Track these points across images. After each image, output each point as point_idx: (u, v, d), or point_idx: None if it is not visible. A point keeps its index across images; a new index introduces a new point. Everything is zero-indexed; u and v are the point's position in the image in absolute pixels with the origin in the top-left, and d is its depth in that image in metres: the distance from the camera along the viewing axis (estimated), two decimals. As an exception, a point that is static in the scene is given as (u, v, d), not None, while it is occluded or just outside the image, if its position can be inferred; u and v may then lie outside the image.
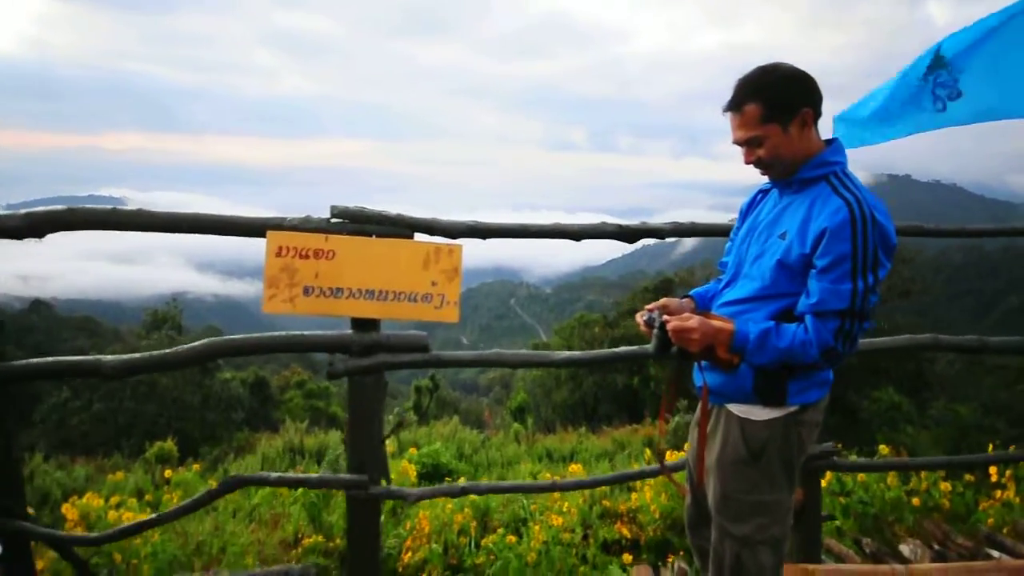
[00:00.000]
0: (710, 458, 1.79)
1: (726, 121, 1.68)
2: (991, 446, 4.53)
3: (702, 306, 1.89)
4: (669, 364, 1.86)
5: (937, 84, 2.84)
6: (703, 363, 1.76)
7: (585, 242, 2.53)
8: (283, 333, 2.28)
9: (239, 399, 18.61)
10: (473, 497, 3.55)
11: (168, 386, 16.76)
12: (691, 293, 1.95)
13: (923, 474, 3.80)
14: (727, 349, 1.65)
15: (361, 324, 2.35)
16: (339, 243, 2.30)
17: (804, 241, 1.60)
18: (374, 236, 2.33)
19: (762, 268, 1.71)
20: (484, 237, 2.43)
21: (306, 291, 2.28)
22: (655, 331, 1.73)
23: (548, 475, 5.61)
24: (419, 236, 2.42)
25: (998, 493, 3.68)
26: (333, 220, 2.34)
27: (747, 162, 1.70)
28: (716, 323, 1.67)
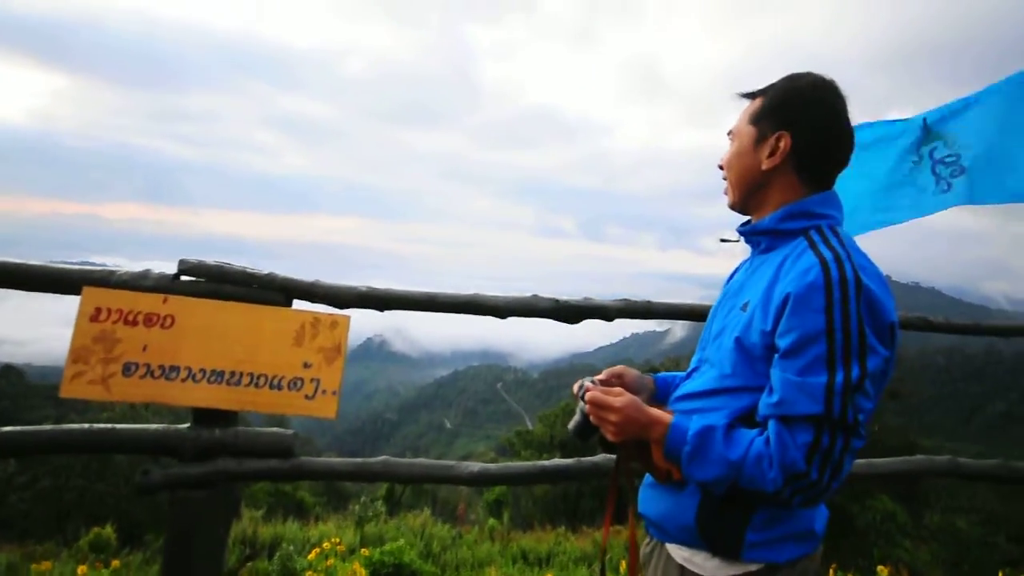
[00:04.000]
0: None
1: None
2: (1000, 573, 3.88)
3: (661, 397, 1.35)
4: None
5: (937, 161, 2.46)
6: (645, 480, 1.25)
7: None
8: (82, 426, 1.67)
9: (197, 480, 17.17)
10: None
11: (122, 462, 15.45)
12: (656, 376, 1.41)
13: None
14: (663, 451, 1.13)
15: (206, 417, 1.76)
16: (181, 306, 1.75)
17: (766, 313, 1.11)
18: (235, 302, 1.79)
19: (721, 350, 1.21)
20: (381, 308, 1.89)
21: (127, 369, 1.70)
22: (579, 404, 1.23)
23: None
24: (299, 304, 1.88)
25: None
26: (182, 278, 1.80)
27: (720, 163, 1.30)
28: (652, 412, 1.16)
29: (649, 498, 1.25)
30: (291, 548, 5.90)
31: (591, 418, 1.17)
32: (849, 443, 1.03)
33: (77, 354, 1.67)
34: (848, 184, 2.59)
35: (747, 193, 1.23)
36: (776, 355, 1.08)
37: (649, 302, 2.07)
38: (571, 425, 1.22)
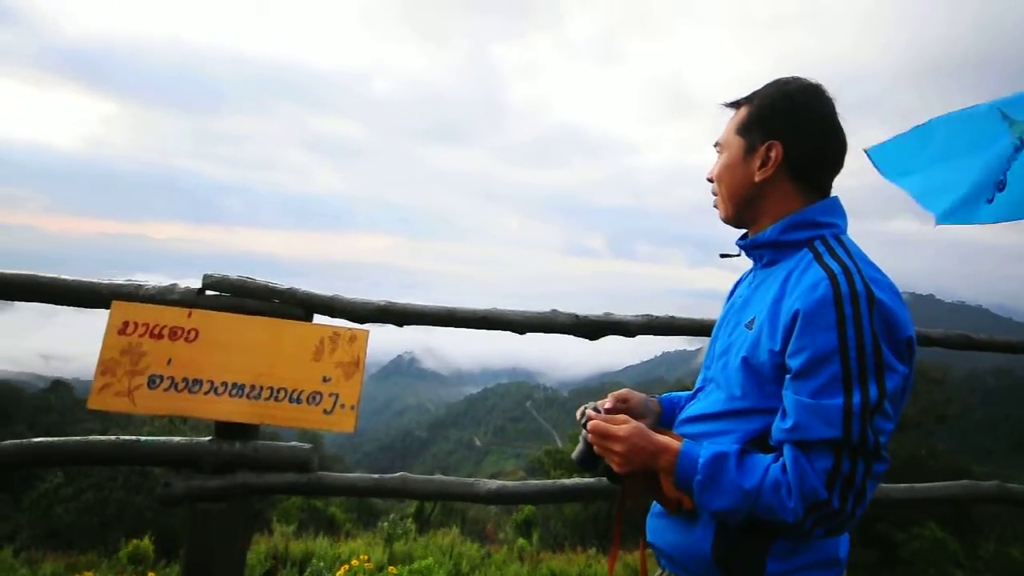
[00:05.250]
0: None
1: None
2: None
3: (667, 420, 1.31)
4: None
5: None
6: (653, 507, 1.19)
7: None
8: (107, 438, 1.71)
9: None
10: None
11: (161, 476, 15.69)
12: (661, 398, 1.36)
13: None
14: (673, 480, 1.07)
15: (227, 430, 1.78)
16: (205, 320, 1.78)
17: (774, 331, 1.05)
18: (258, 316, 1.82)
19: (728, 370, 1.15)
20: (399, 323, 1.90)
21: (152, 382, 1.73)
22: (582, 432, 1.18)
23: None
24: (319, 319, 1.90)
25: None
26: (207, 292, 1.84)
27: (708, 176, 1.24)
28: (659, 439, 1.10)
29: (659, 528, 1.19)
30: (321, 564, 5.93)
31: (595, 447, 1.13)
32: (871, 468, 0.98)
33: (105, 366, 1.72)
34: (948, 172, 2.42)
35: (741, 206, 1.18)
36: (787, 376, 1.02)
37: (672, 317, 2.03)
38: (575, 455, 1.17)
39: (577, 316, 1.94)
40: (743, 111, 1.17)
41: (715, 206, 1.24)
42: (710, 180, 1.23)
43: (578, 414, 1.20)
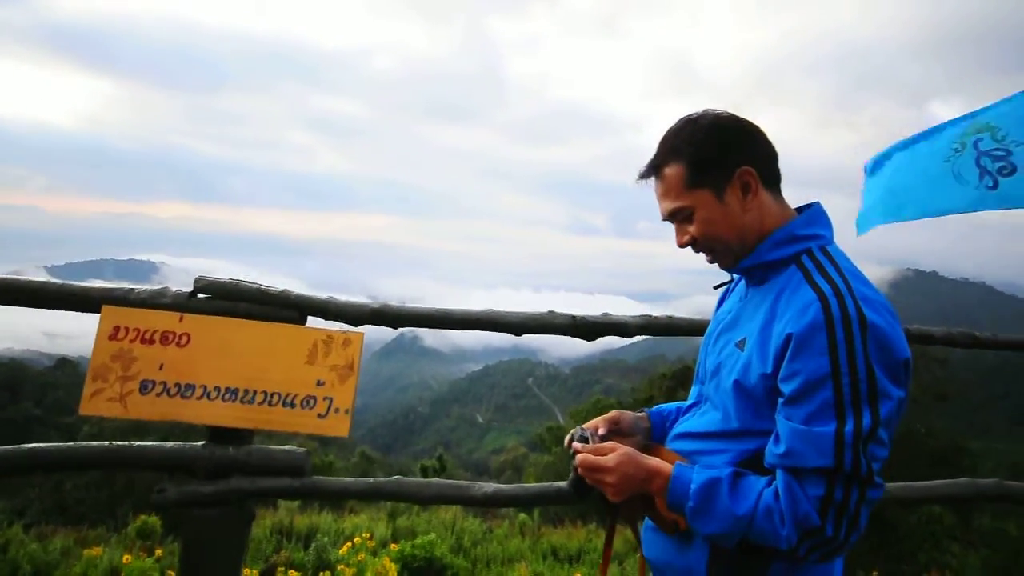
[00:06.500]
0: None
1: None
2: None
3: (658, 433, 1.29)
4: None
5: (982, 153, 2.25)
6: (647, 521, 1.18)
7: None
8: (100, 444, 1.70)
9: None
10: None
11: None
12: (651, 412, 1.35)
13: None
14: (665, 504, 1.07)
15: (221, 435, 1.77)
16: (196, 324, 1.76)
17: (765, 354, 1.03)
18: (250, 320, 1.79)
19: (720, 391, 1.14)
20: (394, 326, 1.87)
21: (144, 387, 1.72)
22: (571, 463, 1.16)
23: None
24: (313, 321, 1.88)
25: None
26: (199, 295, 1.81)
27: (680, 244, 1.17)
28: (649, 463, 1.09)
29: (654, 542, 1.19)
30: (325, 539, 6.03)
31: (587, 480, 1.11)
32: (864, 495, 0.96)
33: (96, 372, 1.70)
34: (898, 179, 2.42)
35: (747, 243, 1.12)
36: (780, 400, 1.00)
37: (670, 318, 2.00)
38: (567, 484, 1.17)
39: (574, 317, 1.92)
40: (676, 169, 1.11)
41: (710, 262, 1.19)
42: (688, 245, 1.16)
43: (565, 442, 1.18)
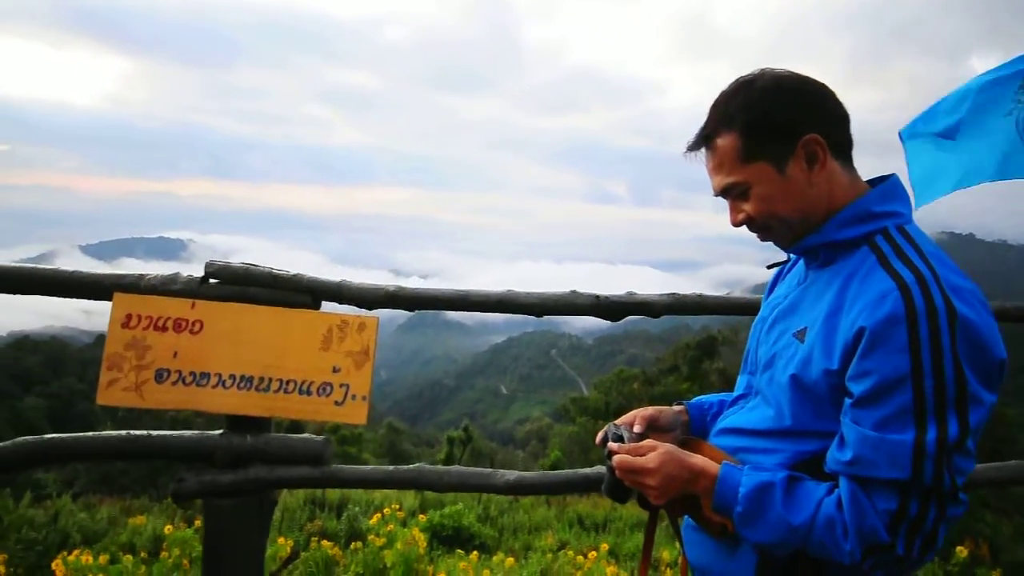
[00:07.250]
0: None
1: None
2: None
3: (697, 427, 1.20)
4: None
5: None
6: (687, 518, 1.09)
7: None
8: (119, 433, 1.68)
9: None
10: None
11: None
12: (690, 404, 1.25)
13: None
14: (711, 506, 0.98)
15: (239, 423, 1.74)
16: (209, 311, 1.71)
17: (830, 348, 0.91)
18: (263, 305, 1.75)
19: (774, 385, 1.02)
20: (410, 308, 1.81)
21: (159, 376, 1.69)
22: (606, 463, 1.07)
23: (571, 553, 4.86)
24: (327, 306, 1.82)
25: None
26: (210, 280, 1.77)
27: (734, 223, 1.04)
28: (693, 461, 0.99)
29: (697, 543, 1.09)
30: (357, 509, 6.15)
31: (626, 482, 1.02)
32: (944, 512, 0.85)
33: (111, 361, 1.68)
34: (962, 143, 2.25)
35: (811, 219, 0.99)
36: (848, 401, 0.89)
37: (700, 296, 1.90)
38: (604, 488, 1.06)
39: (598, 297, 1.83)
40: (729, 139, 0.98)
41: (766, 240, 1.05)
42: (743, 223, 1.03)
43: (598, 439, 1.09)
